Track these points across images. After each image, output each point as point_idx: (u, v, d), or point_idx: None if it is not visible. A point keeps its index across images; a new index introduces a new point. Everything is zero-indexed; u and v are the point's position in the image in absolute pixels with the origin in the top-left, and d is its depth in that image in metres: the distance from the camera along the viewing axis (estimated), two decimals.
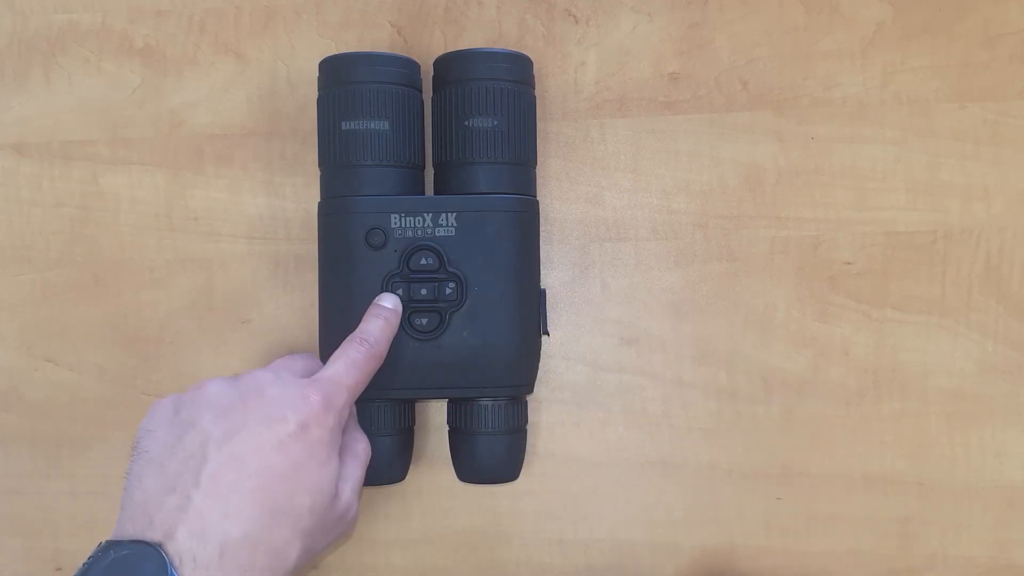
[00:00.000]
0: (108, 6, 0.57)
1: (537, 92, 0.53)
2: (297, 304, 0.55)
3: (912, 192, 0.54)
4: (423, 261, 0.49)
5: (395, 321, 0.48)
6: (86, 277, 0.56)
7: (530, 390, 0.52)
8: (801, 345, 0.54)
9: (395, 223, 0.49)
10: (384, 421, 0.50)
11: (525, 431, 0.52)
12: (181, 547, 0.38)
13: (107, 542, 0.39)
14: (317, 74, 0.51)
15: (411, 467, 0.53)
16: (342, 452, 0.45)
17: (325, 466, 0.43)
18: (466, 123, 0.50)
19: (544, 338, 0.52)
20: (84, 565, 0.38)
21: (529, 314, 0.50)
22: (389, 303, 0.48)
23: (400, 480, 0.52)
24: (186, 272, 0.56)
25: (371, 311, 0.48)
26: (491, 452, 0.51)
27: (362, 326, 0.48)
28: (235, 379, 0.45)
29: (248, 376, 0.45)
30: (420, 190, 0.52)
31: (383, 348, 0.48)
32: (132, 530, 0.39)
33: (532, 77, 0.52)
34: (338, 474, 0.44)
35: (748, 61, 0.55)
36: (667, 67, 0.55)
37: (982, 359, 0.54)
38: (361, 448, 0.47)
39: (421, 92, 0.52)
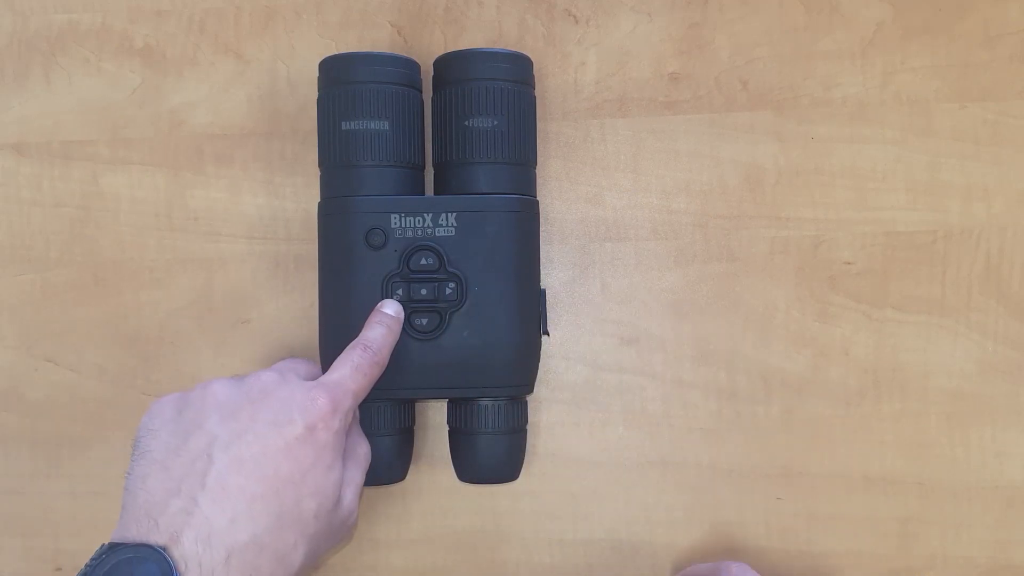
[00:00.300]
0: (108, 6, 0.57)
1: (537, 92, 0.53)
2: (297, 304, 0.55)
3: (912, 192, 0.54)
4: (423, 261, 0.49)
5: (397, 329, 0.48)
6: (86, 277, 0.56)
7: (530, 390, 0.52)
8: (801, 345, 0.54)
9: (395, 223, 0.49)
10: (384, 421, 0.50)
11: (525, 431, 0.52)
12: (187, 552, 0.38)
13: (110, 544, 0.39)
14: (317, 74, 0.51)
15: (411, 467, 0.53)
16: (345, 456, 0.45)
17: (330, 470, 0.43)
18: (466, 123, 0.50)
19: (544, 338, 0.52)
20: (87, 567, 0.38)
21: (529, 314, 0.50)
22: (391, 310, 0.48)
23: (400, 480, 0.52)
24: (186, 272, 0.56)
25: (373, 318, 0.48)
26: (491, 452, 0.51)
27: (365, 332, 0.47)
28: (240, 380, 0.44)
29: (253, 377, 0.44)
30: (420, 190, 0.52)
31: (385, 356, 0.47)
32: (136, 532, 0.39)
33: (532, 77, 0.52)
34: (342, 479, 0.44)
35: (748, 61, 0.55)
36: (667, 67, 0.55)
37: (982, 359, 0.54)
38: (363, 452, 0.47)
39: (421, 92, 0.52)
